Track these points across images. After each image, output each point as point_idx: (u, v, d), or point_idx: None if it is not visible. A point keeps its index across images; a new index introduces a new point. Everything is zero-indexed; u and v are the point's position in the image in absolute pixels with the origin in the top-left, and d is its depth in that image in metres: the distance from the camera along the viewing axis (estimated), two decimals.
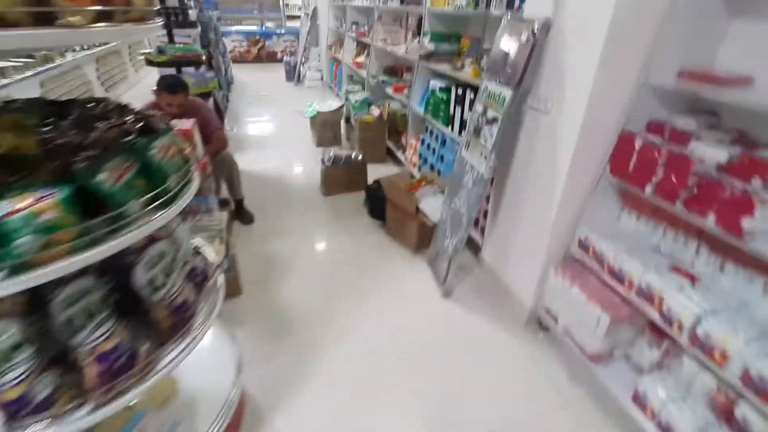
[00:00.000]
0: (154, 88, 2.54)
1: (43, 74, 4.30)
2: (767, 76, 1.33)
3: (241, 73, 8.58)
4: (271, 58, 9.96)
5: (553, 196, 1.81)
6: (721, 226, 1.28)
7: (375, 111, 4.03)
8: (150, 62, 3.24)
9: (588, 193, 1.76)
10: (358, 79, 5.53)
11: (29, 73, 4.05)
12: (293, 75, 7.93)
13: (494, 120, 1.89)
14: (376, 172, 3.70)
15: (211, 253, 1.51)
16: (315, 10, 7.37)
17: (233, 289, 2.22)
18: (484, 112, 2.00)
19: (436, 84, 3.14)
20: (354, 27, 5.62)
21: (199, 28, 4.07)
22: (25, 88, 3.86)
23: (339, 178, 3.41)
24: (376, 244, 2.80)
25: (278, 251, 2.69)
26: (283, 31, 10.16)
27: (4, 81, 3.65)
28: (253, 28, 10.23)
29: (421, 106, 3.41)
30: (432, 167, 3.21)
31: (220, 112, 4.83)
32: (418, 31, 3.72)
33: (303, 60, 7.84)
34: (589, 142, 1.66)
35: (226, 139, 2.83)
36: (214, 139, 2.69)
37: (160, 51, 3.22)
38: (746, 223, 1.20)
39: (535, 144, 1.88)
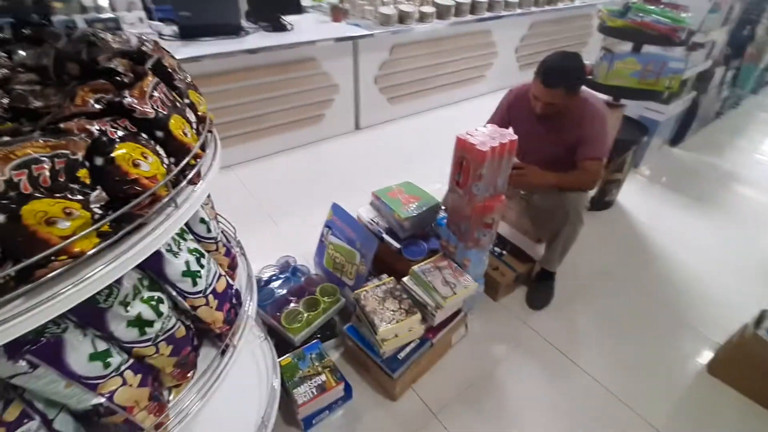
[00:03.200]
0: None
1: (535, 16, 4.00)
2: None
3: None
4: None
5: None
6: None
7: None
8: (602, 28, 2.14)
9: None
10: None
11: (519, 11, 3.78)
12: None
13: None
14: None
15: None
16: None
17: None
18: None
19: None
20: None
21: None
22: (510, 27, 3.82)
23: None
24: None
25: None
26: None
27: (488, 14, 3.52)
28: None
29: None
30: None
31: (685, 124, 3.19)
32: None
33: None
34: None
35: (598, 175, 1.70)
36: (579, 168, 1.68)
37: (623, 10, 2.02)
38: None
39: None
